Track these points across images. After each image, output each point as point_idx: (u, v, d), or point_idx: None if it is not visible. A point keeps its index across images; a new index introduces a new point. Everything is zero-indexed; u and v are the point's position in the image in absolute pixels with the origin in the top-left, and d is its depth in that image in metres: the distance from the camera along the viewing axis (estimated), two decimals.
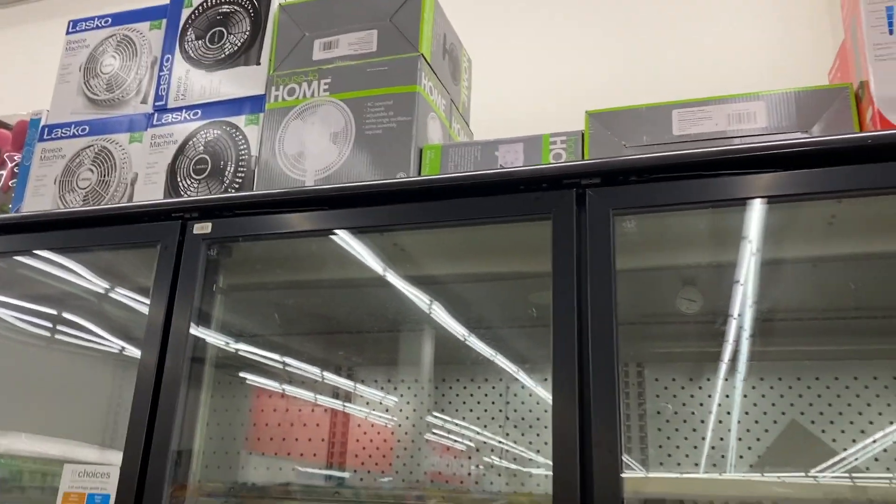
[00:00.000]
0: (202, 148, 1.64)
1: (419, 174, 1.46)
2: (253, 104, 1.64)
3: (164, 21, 1.81)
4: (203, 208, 1.44)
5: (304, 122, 1.57)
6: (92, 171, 1.73)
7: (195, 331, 1.38)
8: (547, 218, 1.22)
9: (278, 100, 1.61)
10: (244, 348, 1.95)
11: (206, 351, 1.49)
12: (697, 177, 1.16)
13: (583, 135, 1.40)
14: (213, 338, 1.49)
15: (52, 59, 2.57)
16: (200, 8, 1.78)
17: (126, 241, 1.48)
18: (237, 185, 1.58)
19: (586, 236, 1.19)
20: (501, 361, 1.92)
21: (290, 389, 2.08)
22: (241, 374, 2.08)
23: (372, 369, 2.03)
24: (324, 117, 1.55)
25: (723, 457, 1.70)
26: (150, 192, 1.66)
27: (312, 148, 1.54)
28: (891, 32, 1.15)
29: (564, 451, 1.10)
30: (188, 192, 1.61)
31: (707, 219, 1.32)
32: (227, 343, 1.67)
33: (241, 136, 1.62)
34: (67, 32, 1.90)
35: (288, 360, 2.08)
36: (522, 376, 1.92)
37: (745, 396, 1.72)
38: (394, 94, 1.51)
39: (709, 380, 1.76)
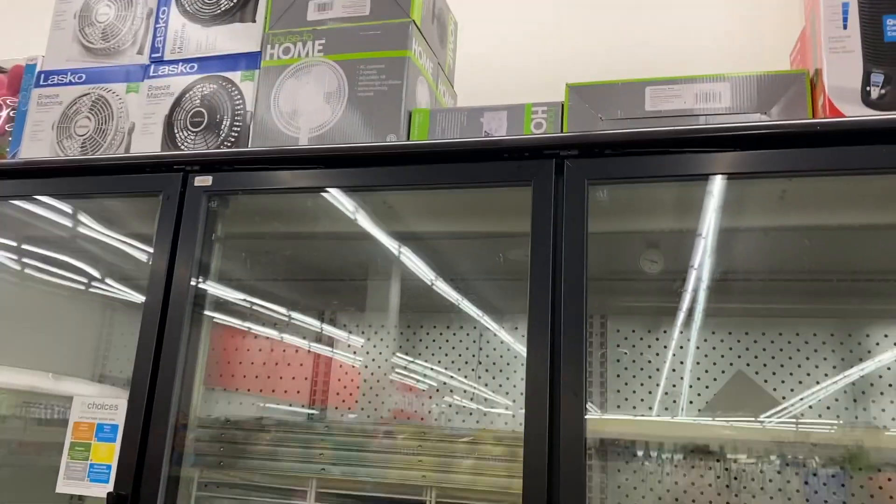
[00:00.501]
0: (198, 101, 1.71)
1: (408, 136, 1.56)
2: (249, 60, 1.71)
3: None
4: (204, 162, 1.52)
5: (298, 80, 1.65)
6: (89, 118, 1.79)
7: (193, 280, 1.48)
8: (528, 184, 1.34)
9: (274, 58, 1.68)
10: (227, 293, 2.06)
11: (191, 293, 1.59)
12: (666, 153, 1.28)
13: (562, 106, 1.50)
14: (210, 285, 1.59)
15: (45, 2, 2.58)
16: None
17: (129, 191, 1.57)
18: (233, 139, 1.66)
19: (563, 203, 1.31)
20: (471, 309, 2.05)
21: (263, 331, 2.20)
22: (226, 317, 2.18)
23: (354, 315, 2.16)
24: (318, 77, 1.64)
25: (675, 402, 1.87)
26: (147, 142, 1.73)
27: (306, 106, 1.62)
28: (845, 27, 1.27)
29: (535, 392, 1.24)
30: (185, 144, 1.69)
31: (672, 190, 1.45)
32: (217, 288, 1.77)
33: (236, 91, 1.69)
34: None
35: (259, 301, 2.17)
36: (491, 324, 2.06)
37: (697, 348, 1.88)
38: (385, 58, 1.60)
39: (665, 332, 1.92)
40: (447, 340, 2.08)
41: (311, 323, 2.22)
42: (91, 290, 2.24)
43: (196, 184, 1.51)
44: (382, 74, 1.59)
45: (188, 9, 1.79)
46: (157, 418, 1.39)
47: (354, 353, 2.16)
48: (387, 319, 2.14)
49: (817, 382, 1.80)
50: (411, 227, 1.71)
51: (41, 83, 1.84)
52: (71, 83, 1.83)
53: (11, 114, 1.88)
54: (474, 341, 2.06)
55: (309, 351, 2.21)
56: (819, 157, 1.23)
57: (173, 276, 1.46)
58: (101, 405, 1.45)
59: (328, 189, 1.48)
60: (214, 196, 1.52)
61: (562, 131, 1.49)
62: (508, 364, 2.02)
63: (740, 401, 1.84)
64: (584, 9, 2.23)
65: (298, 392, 2.16)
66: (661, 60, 2.06)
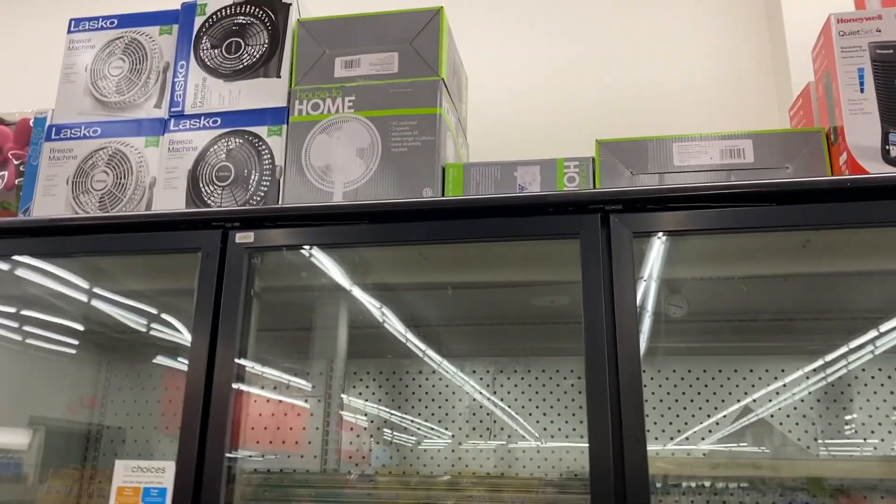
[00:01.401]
0: (224, 155, 1.72)
1: (442, 191, 1.61)
2: (275, 115, 1.73)
3: (175, 27, 1.86)
4: (244, 218, 1.53)
5: (329, 136, 1.68)
6: (107, 173, 1.77)
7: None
8: (576, 237, 1.40)
9: (302, 113, 1.71)
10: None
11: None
12: (706, 207, 1.37)
13: (593, 161, 1.58)
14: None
15: (45, 56, 2.53)
16: (214, 17, 1.84)
17: (167, 248, 1.55)
18: (262, 194, 1.67)
19: (609, 254, 1.37)
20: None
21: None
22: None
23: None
24: (350, 133, 1.67)
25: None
26: (171, 197, 1.72)
27: (339, 161, 1.65)
28: (862, 91, 1.39)
29: (598, 438, 1.28)
30: (211, 199, 1.69)
31: (694, 240, 1.53)
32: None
33: (264, 146, 1.71)
34: (69, 31, 1.91)
35: None
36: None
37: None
38: (417, 114, 1.65)
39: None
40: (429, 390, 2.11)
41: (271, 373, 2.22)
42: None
43: (237, 240, 1.51)
44: (415, 130, 1.64)
45: (209, 63, 1.80)
46: (210, 477, 1.37)
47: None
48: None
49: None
50: (442, 278, 1.75)
51: (53, 137, 1.81)
52: (86, 137, 1.80)
53: (21, 168, 1.84)
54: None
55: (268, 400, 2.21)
56: (846, 211, 1.33)
57: (217, 338, 1.45)
58: (146, 468, 1.42)
59: (373, 243, 1.51)
60: (256, 253, 1.53)
61: (594, 185, 1.57)
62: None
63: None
64: (573, 64, 2.33)
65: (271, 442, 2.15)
66: (649, 111, 2.18)
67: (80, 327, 2.17)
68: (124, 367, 2.31)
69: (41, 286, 1.85)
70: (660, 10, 2.35)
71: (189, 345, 1.46)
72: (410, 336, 2.12)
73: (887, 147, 1.36)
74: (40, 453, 2.13)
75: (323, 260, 1.67)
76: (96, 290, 1.95)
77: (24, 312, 2.09)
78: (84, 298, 1.97)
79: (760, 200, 1.35)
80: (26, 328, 2.16)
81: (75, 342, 2.26)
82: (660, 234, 1.40)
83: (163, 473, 1.41)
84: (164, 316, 2.13)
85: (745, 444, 1.95)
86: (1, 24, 2.84)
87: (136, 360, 2.31)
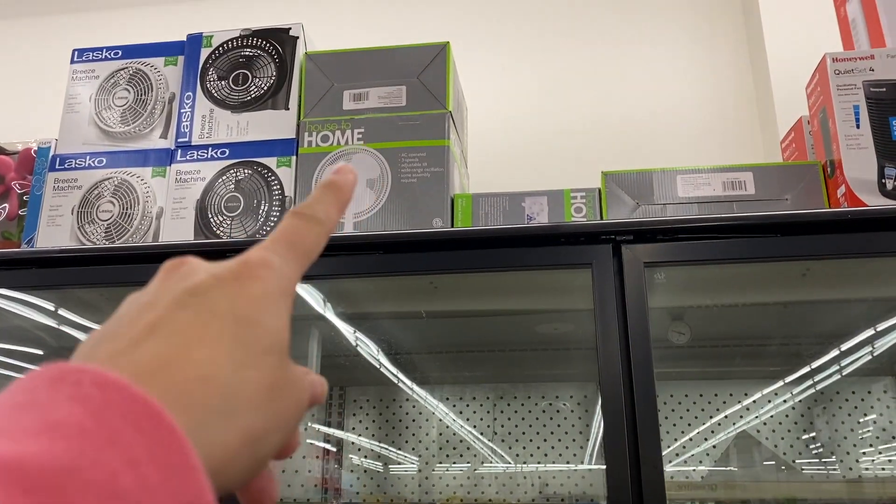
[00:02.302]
0: (233, 186, 1.73)
1: (452, 221, 1.64)
2: (284, 147, 1.75)
3: (181, 59, 1.88)
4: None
5: None
6: (113, 203, 1.77)
7: None
8: (587, 267, 1.44)
9: (312, 145, 1.73)
10: None
11: None
12: (715, 238, 1.42)
13: (599, 192, 1.63)
14: None
15: (46, 86, 2.52)
16: (221, 49, 1.86)
17: None
18: (272, 224, 1.69)
19: (621, 283, 1.42)
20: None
21: None
22: None
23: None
24: (359, 164, 1.69)
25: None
26: (178, 227, 1.72)
27: None
28: (857, 127, 1.46)
29: (616, 464, 1.31)
30: (220, 229, 1.70)
31: (701, 269, 1.58)
32: None
33: (273, 177, 1.72)
34: (72, 61, 1.91)
35: None
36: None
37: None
38: (426, 146, 1.68)
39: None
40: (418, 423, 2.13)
41: None
42: None
43: None
44: (424, 162, 1.67)
45: (216, 95, 1.82)
46: None
47: None
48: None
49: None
50: (450, 306, 1.77)
51: (57, 167, 1.81)
52: (90, 167, 1.80)
53: (25, 198, 1.83)
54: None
55: None
56: (847, 242, 1.39)
57: None
58: None
59: (383, 274, 1.53)
60: None
61: (600, 216, 1.61)
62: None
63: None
64: (558, 96, 2.40)
65: None
66: (636, 141, 2.24)
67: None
68: None
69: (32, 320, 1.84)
70: (648, 47, 2.43)
71: None
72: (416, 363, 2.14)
73: (883, 181, 1.42)
74: None
75: (316, 290, 1.68)
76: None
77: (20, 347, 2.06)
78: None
79: (765, 232, 1.40)
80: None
81: None
82: (669, 263, 1.44)
83: None
84: None
85: (736, 467, 2.01)
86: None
87: None
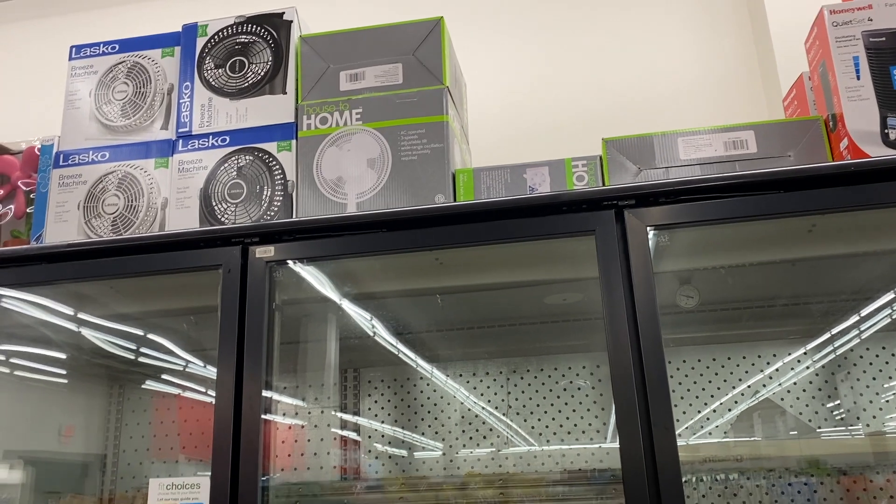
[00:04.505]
0: (235, 173, 1.74)
1: (454, 196, 1.64)
2: (284, 131, 1.75)
3: (177, 49, 1.88)
4: (263, 233, 1.55)
5: (339, 149, 1.70)
6: (118, 196, 1.78)
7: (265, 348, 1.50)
8: (591, 234, 1.44)
9: (311, 128, 1.73)
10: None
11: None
12: (718, 198, 1.41)
13: (601, 159, 1.62)
14: None
15: (45, 84, 2.54)
16: (216, 38, 1.86)
17: (188, 266, 1.57)
18: (276, 208, 1.69)
19: (625, 248, 1.41)
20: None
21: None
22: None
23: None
24: (359, 144, 1.70)
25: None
26: (184, 217, 1.73)
27: (351, 173, 1.68)
28: (858, 78, 1.44)
29: (628, 429, 1.32)
30: (225, 216, 1.71)
31: (705, 231, 1.57)
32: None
33: (275, 162, 1.73)
34: (70, 58, 1.92)
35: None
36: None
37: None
38: (425, 123, 1.68)
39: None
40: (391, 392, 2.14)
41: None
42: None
43: (258, 255, 1.53)
44: (424, 139, 1.67)
45: (213, 84, 1.82)
46: (245, 488, 1.39)
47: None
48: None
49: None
50: (458, 281, 1.78)
51: (61, 163, 1.82)
52: (94, 162, 1.81)
53: (31, 196, 1.84)
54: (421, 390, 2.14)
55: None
56: (851, 194, 1.38)
57: (244, 352, 1.47)
58: (180, 485, 1.43)
59: (389, 251, 1.54)
60: (277, 266, 1.55)
61: (602, 183, 1.60)
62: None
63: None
64: (557, 67, 2.38)
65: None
66: (640, 109, 2.23)
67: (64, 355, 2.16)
68: (134, 392, 2.32)
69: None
70: (645, 10, 2.41)
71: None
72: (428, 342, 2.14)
73: (886, 130, 1.41)
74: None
75: (321, 272, 1.68)
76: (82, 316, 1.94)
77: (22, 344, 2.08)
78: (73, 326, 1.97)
79: (768, 188, 1.39)
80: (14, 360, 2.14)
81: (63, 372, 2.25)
82: (673, 225, 1.43)
83: (198, 489, 1.42)
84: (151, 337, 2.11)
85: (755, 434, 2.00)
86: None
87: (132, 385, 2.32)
